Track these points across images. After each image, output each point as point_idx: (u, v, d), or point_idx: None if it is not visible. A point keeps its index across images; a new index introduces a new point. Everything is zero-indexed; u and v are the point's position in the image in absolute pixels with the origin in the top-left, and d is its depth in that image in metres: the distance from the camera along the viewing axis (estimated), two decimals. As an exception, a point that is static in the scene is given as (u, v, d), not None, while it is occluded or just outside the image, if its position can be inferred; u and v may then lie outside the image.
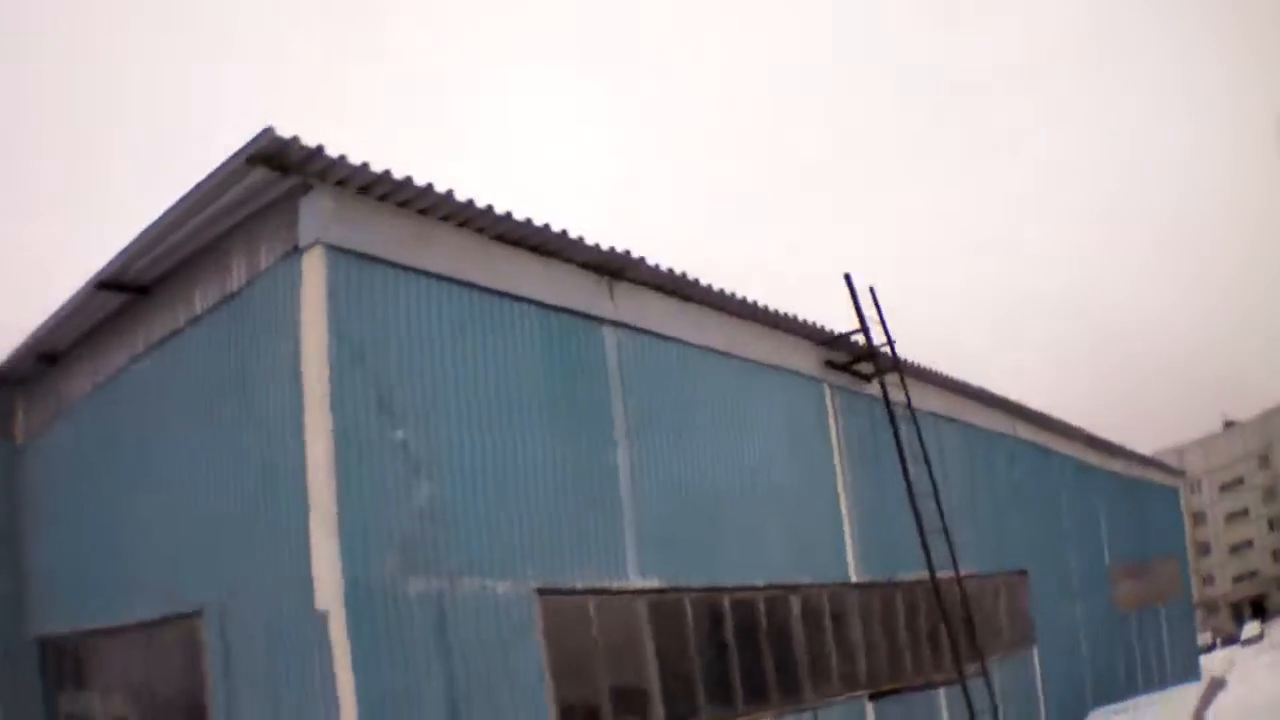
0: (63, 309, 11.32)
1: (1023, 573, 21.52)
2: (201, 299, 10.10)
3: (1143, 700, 24.89)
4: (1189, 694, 23.94)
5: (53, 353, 12.50)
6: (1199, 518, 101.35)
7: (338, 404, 8.44)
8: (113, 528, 11.80)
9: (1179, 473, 40.81)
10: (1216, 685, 26.80)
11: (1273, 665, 58.75)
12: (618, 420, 11.41)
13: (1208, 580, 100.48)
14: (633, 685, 11.05)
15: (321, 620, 8.22)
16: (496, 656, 9.26)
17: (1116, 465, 31.26)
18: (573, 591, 10.28)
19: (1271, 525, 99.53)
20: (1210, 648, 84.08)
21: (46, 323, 11.71)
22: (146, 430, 11.09)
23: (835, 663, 14.49)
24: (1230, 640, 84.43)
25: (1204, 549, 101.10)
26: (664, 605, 11.53)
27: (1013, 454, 22.06)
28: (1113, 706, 24.45)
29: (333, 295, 8.60)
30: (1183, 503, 42.48)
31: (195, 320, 10.18)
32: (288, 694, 8.74)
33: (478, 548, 9.34)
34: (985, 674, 16.24)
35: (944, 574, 16.17)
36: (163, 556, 10.76)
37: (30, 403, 13.54)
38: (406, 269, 9.28)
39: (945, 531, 16.14)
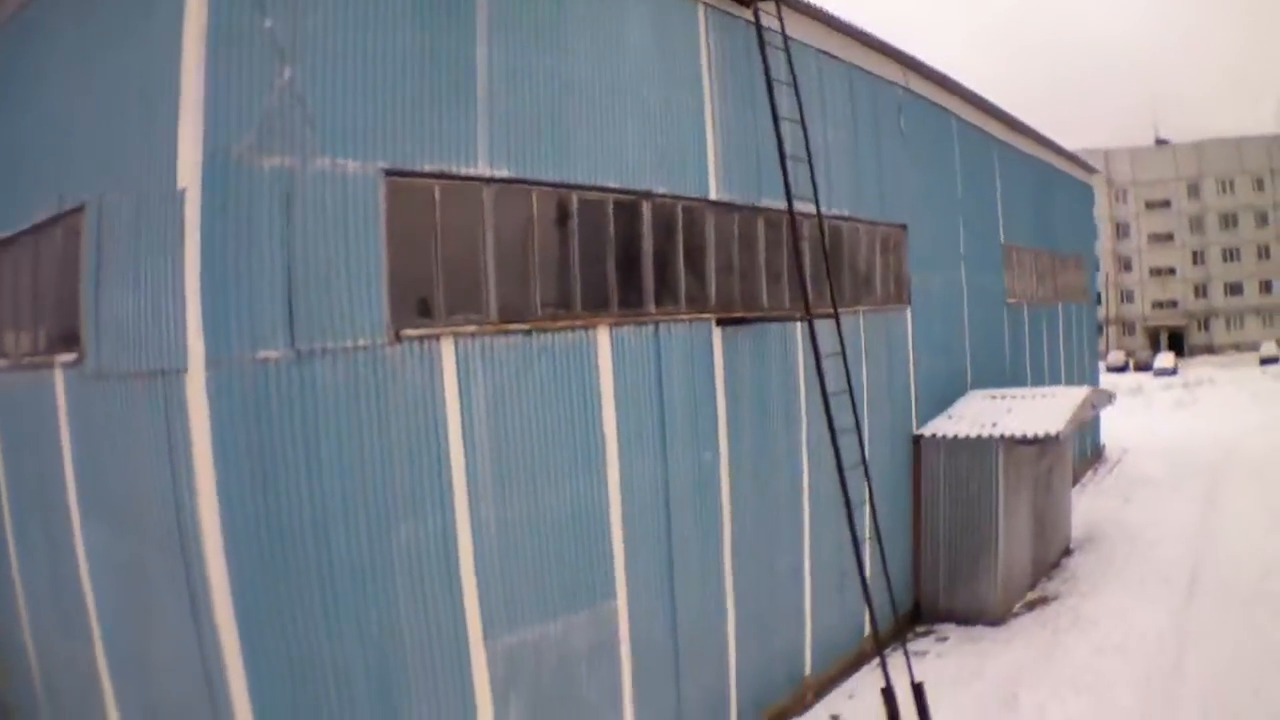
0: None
1: (903, 227, 21.94)
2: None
3: (1025, 390, 26.07)
4: (1074, 394, 24.90)
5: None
6: (1122, 229, 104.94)
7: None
8: (14, 139, 12.83)
9: (1093, 170, 41.56)
10: (1104, 396, 28.05)
11: (1178, 405, 62.58)
12: (480, 10, 11.69)
13: (1127, 297, 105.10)
14: (470, 276, 11.62)
15: (180, 198, 9.13)
16: (338, 235, 10.09)
17: (1022, 144, 31.74)
18: (419, 174, 10.97)
19: (1195, 258, 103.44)
20: (1122, 368, 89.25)
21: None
22: (58, 45, 11.79)
23: (684, 281, 14.89)
24: (1144, 367, 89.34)
25: (1126, 264, 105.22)
26: (511, 196, 12.05)
27: (901, 105, 21.99)
28: (992, 389, 25.67)
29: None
30: (1098, 205, 43.70)
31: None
32: (147, 277, 9.73)
33: (331, 129, 10.05)
34: (836, 317, 16.69)
35: (809, 208, 16.55)
36: (56, 163, 11.74)
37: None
38: None
39: (810, 163, 16.32)
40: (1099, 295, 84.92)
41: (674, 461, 14.47)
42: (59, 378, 11.69)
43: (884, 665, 15.86)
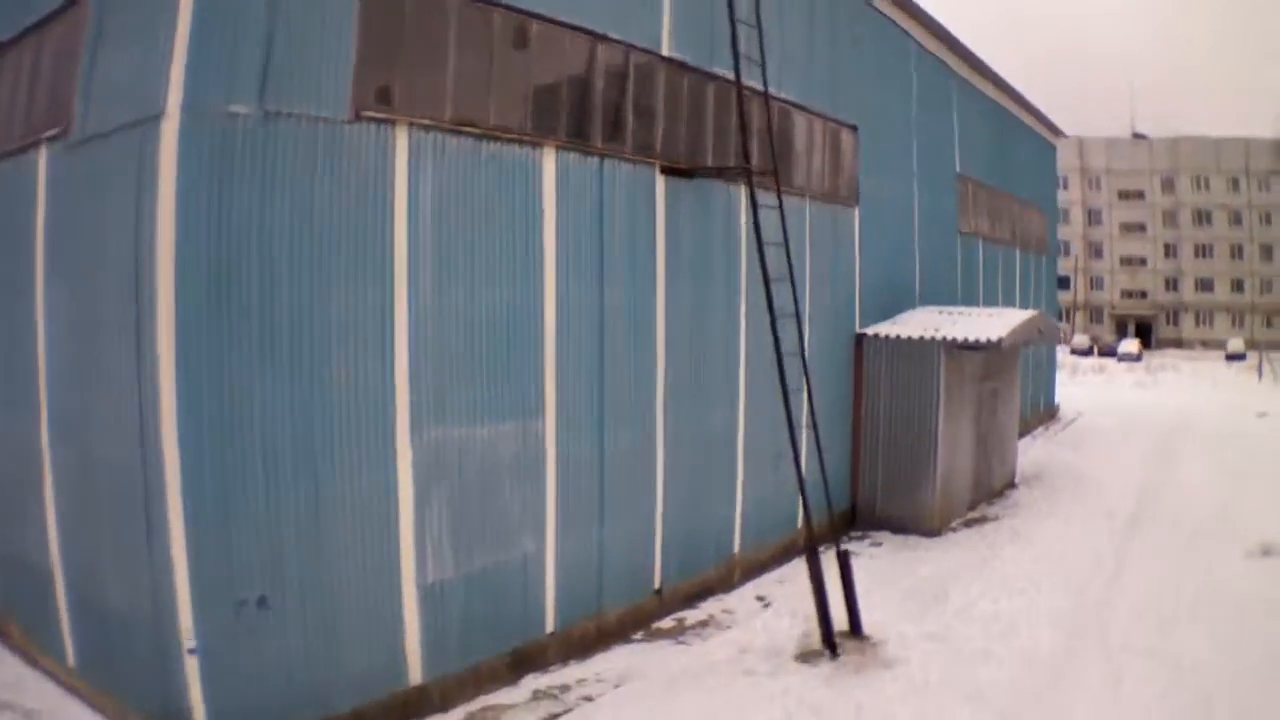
0: None
1: (854, 128, 22.70)
2: None
3: (974, 309, 26.92)
4: (1021, 313, 25.73)
5: None
6: (1094, 216, 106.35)
7: None
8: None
9: (1058, 131, 42.37)
10: (1051, 324, 28.69)
11: (1137, 384, 64.13)
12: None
13: (1096, 284, 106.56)
14: (432, 78, 12.69)
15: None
16: (315, 17, 11.20)
17: (983, 87, 32.58)
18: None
19: (1168, 251, 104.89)
20: (1087, 351, 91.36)
21: None
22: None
23: (632, 125, 15.80)
24: (1108, 352, 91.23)
25: (1096, 250, 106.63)
26: (473, 13, 13.09)
27: (860, 16, 22.92)
28: (941, 306, 26.63)
29: None
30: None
31: None
32: (140, 37, 10.96)
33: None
34: (775, 173, 17.30)
35: (760, 87, 17.30)
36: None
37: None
38: None
39: (760, 35, 17.09)
40: (1067, 279, 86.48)
41: (610, 297, 15.33)
42: (42, 156, 12.82)
43: (809, 521, 16.30)
